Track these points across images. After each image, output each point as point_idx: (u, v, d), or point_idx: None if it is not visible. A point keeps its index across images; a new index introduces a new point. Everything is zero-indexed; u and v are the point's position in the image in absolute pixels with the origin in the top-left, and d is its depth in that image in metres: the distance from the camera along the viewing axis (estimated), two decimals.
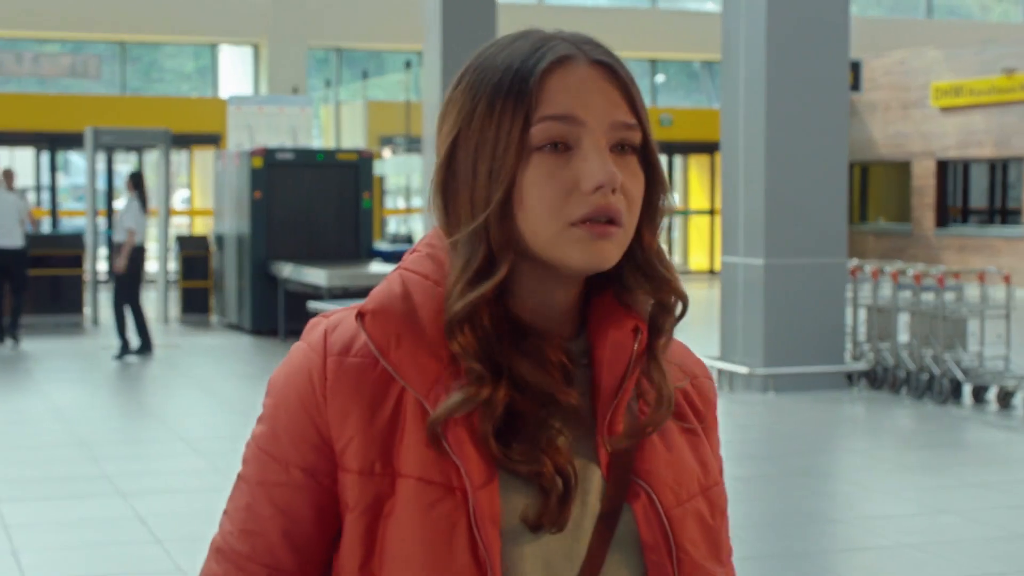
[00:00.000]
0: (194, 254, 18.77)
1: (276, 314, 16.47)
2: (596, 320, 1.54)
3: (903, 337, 12.78)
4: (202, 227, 25.92)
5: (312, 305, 11.61)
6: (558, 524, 1.46)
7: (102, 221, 22.71)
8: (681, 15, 33.73)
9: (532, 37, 1.54)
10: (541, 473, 1.45)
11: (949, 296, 12.21)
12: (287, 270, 16.00)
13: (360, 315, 1.51)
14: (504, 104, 1.48)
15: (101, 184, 23.16)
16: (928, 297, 12.32)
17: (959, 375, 11.71)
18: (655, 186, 1.54)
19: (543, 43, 1.52)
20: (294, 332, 16.01)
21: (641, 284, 1.54)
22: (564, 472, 1.47)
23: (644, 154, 1.52)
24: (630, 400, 1.54)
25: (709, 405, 1.66)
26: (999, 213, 26.79)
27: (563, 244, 1.47)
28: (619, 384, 1.52)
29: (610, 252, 1.47)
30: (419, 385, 1.48)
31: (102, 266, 23.66)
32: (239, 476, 1.57)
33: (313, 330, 1.55)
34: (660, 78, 34.69)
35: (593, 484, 1.51)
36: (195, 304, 18.68)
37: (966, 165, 27.17)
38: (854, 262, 13.44)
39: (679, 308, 1.57)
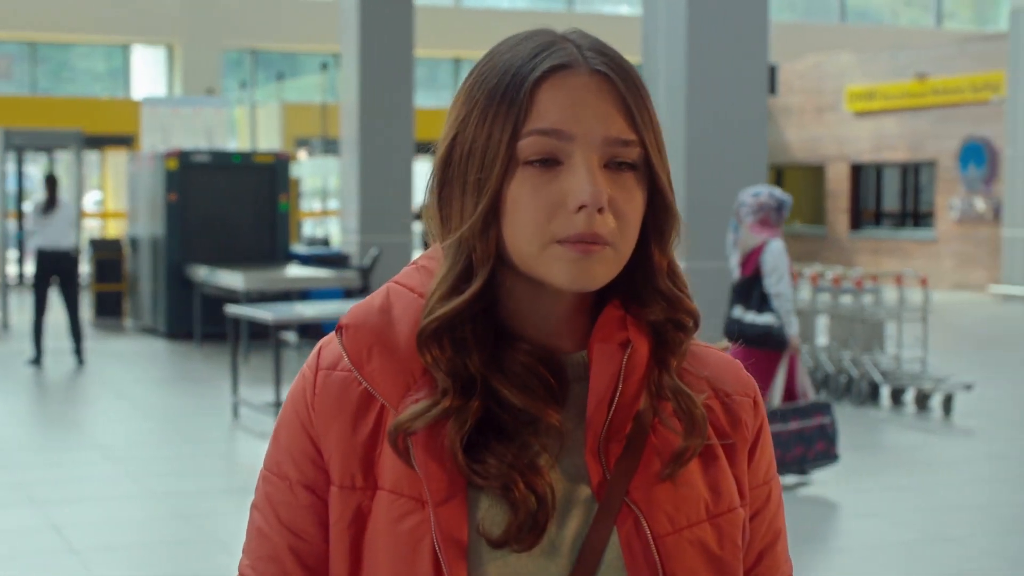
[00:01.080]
0: (107, 257, 18.50)
1: (192, 318, 16.27)
2: (594, 334, 1.49)
3: (822, 340, 12.85)
4: (115, 230, 25.59)
5: (230, 309, 11.44)
6: (523, 543, 1.41)
7: (12, 224, 22.33)
8: (597, 18, 33.84)
9: (537, 39, 1.48)
10: (511, 490, 1.41)
11: (867, 299, 12.30)
12: (203, 273, 15.81)
13: (339, 329, 1.50)
14: (496, 112, 1.44)
15: (11, 186, 22.77)
16: (846, 300, 12.40)
17: (877, 377, 11.78)
18: (659, 203, 1.47)
19: (545, 48, 1.46)
20: (210, 336, 15.84)
21: (656, 301, 1.49)
22: (538, 491, 1.41)
23: (647, 170, 1.46)
24: (641, 418, 1.48)
25: (739, 425, 1.56)
26: (911, 216, 27.09)
27: (546, 262, 1.42)
28: (608, 401, 1.45)
29: (596, 272, 1.42)
30: (391, 397, 1.45)
31: (12, 269, 23.30)
32: (251, 505, 1.57)
33: (315, 349, 1.56)
34: None
35: (577, 506, 1.45)
36: (109, 308, 18.42)
37: (879, 169, 27.45)
38: None
39: (691, 326, 1.52)
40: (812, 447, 8.49)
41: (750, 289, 8.44)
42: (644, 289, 1.49)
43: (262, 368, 13.26)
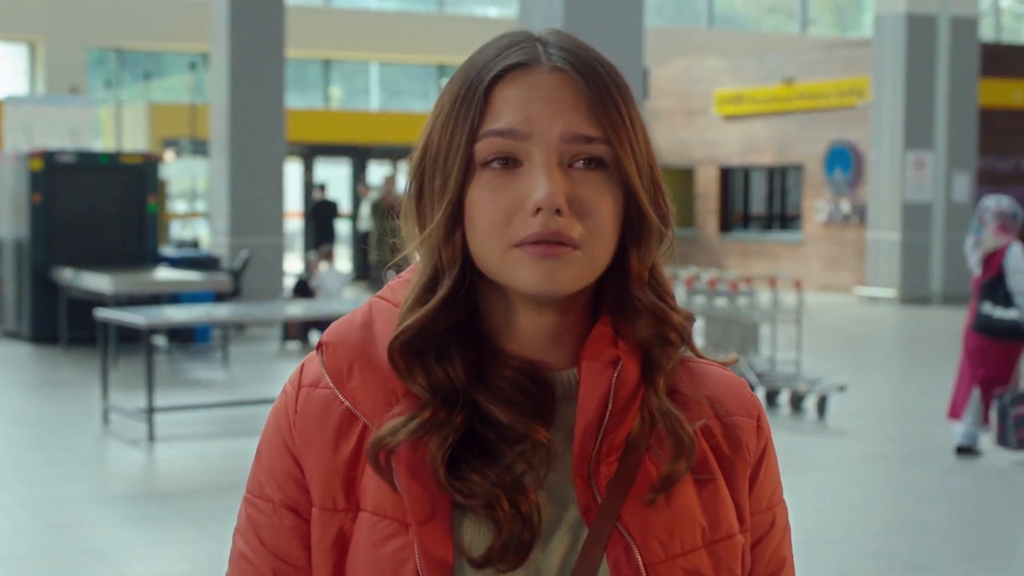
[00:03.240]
0: None
1: (57, 322, 15.90)
2: (583, 352, 1.42)
3: (697, 342, 12.89)
4: None
5: (100, 313, 11.16)
6: (506, 564, 1.35)
7: None
8: (467, 20, 33.82)
9: (505, 40, 1.42)
10: (495, 508, 1.35)
11: (742, 301, 12.38)
12: (68, 276, 15.46)
13: (320, 347, 1.45)
14: (456, 115, 1.38)
15: None
16: (721, 302, 12.47)
17: (752, 379, 11.86)
18: (634, 207, 1.40)
19: (509, 47, 1.40)
20: (76, 340, 15.50)
21: (639, 315, 1.42)
22: (523, 511, 1.35)
23: (619, 171, 1.38)
24: (634, 440, 1.41)
25: (740, 448, 1.48)
26: (779, 219, 27.44)
27: (509, 266, 1.36)
28: (597, 422, 1.39)
29: (562, 275, 1.35)
30: (373, 416, 1.40)
31: None
32: (233, 531, 1.50)
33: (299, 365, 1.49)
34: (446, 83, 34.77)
35: (565, 530, 1.39)
36: None
37: (747, 172, 27.77)
38: None
39: (677, 341, 1.44)
40: None
41: (995, 287, 9.45)
42: (626, 301, 1.42)
43: (131, 373, 12.98)
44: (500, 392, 1.38)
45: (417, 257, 1.45)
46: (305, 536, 1.43)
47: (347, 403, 1.41)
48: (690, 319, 1.48)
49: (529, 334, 1.42)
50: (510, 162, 1.36)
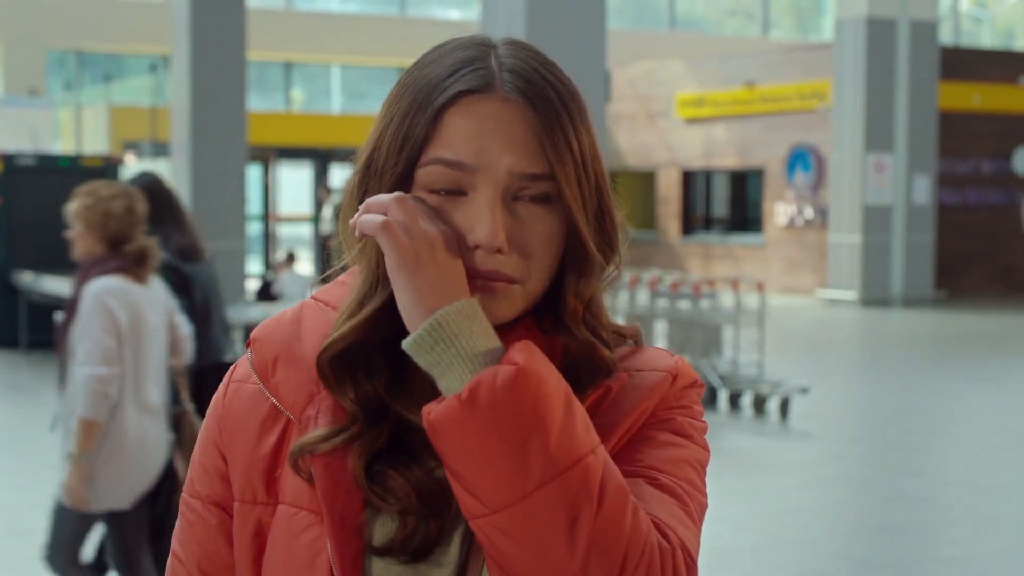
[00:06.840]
0: None
1: (17, 325, 15.79)
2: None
3: (660, 344, 12.93)
4: None
5: (60, 317, 11.07)
6: (410, 554, 1.36)
7: None
8: (429, 23, 33.79)
9: (461, 55, 1.39)
10: (408, 512, 1.37)
11: (705, 304, 12.42)
12: (28, 279, 15.35)
13: (248, 343, 1.47)
14: (407, 132, 1.36)
15: None
16: (684, 305, 12.50)
17: (715, 381, 11.90)
18: (574, 241, 1.39)
19: (464, 65, 1.37)
20: (36, 344, 15.40)
21: (570, 341, 1.41)
22: (432, 508, 1.37)
23: (563, 205, 1.37)
24: None
25: (641, 399, 1.42)
26: (740, 222, 27.53)
27: None
28: None
29: (498, 310, 1.35)
30: (295, 409, 1.42)
31: None
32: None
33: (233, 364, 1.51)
34: None
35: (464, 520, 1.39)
36: None
37: (709, 175, 27.84)
38: None
39: (600, 375, 1.42)
40: None
41: None
42: (560, 324, 1.42)
43: None
44: (420, 396, 1.37)
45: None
46: (230, 533, 1.46)
47: (270, 396, 1.43)
48: (637, 331, 1.49)
49: None
50: (454, 191, 1.35)
